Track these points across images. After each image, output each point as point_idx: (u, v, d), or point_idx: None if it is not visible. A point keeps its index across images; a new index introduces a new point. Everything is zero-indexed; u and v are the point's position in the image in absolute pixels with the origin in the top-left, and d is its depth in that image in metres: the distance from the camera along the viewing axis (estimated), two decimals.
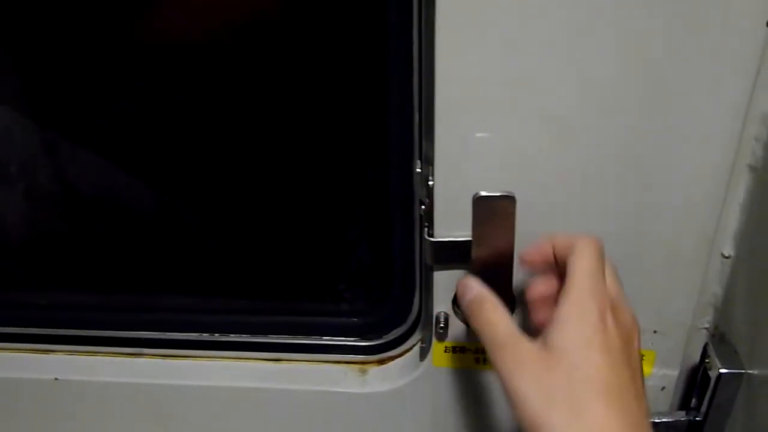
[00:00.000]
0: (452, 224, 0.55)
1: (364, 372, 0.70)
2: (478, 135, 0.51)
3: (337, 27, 0.62)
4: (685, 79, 0.48)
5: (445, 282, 0.59)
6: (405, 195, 0.61)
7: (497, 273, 0.53)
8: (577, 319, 0.43)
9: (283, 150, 0.69)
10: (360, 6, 0.59)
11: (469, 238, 0.53)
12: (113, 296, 0.77)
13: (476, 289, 0.50)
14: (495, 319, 0.47)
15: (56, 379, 0.73)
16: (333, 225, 0.73)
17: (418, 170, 0.57)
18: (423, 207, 0.57)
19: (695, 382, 0.61)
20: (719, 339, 0.60)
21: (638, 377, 0.44)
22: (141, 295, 0.76)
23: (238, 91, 0.66)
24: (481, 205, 0.51)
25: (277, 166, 0.70)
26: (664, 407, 0.64)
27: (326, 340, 0.71)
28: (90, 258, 0.77)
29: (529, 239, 0.51)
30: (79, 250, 0.78)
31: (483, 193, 0.50)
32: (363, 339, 0.71)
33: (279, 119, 0.68)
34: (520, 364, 0.43)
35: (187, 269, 0.76)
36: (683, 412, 0.62)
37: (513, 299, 0.56)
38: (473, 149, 0.52)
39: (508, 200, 0.50)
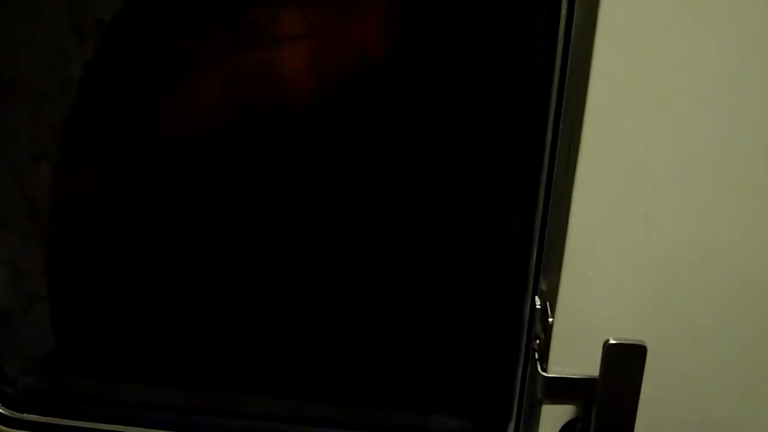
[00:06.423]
0: (567, 361, 0.57)
1: None
2: (607, 274, 0.53)
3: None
4: None
5: (552, 417, 0.59)
6: (513, 327, 0.62)
7: (620, 419, 0.53)
8: None
9: (396, 273, 0.70)
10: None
11: (584, 376, 0.55)
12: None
13: None
14: None
15: None
16: (434, 344, 0.73)
17: (538, 306, 0.58)
18: (537, 342, 0.58)
19: None
20: None
21: None
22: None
23: None
24: (611, 351, 0.51)
25: (389, 286, 0.71)
26: None
27: None
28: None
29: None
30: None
31: (613, 341, 0.51)
32: None
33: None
34: None
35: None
36: None
37: None
38: (600, 289, 0.53)
39: (640, 349, 0.51)
